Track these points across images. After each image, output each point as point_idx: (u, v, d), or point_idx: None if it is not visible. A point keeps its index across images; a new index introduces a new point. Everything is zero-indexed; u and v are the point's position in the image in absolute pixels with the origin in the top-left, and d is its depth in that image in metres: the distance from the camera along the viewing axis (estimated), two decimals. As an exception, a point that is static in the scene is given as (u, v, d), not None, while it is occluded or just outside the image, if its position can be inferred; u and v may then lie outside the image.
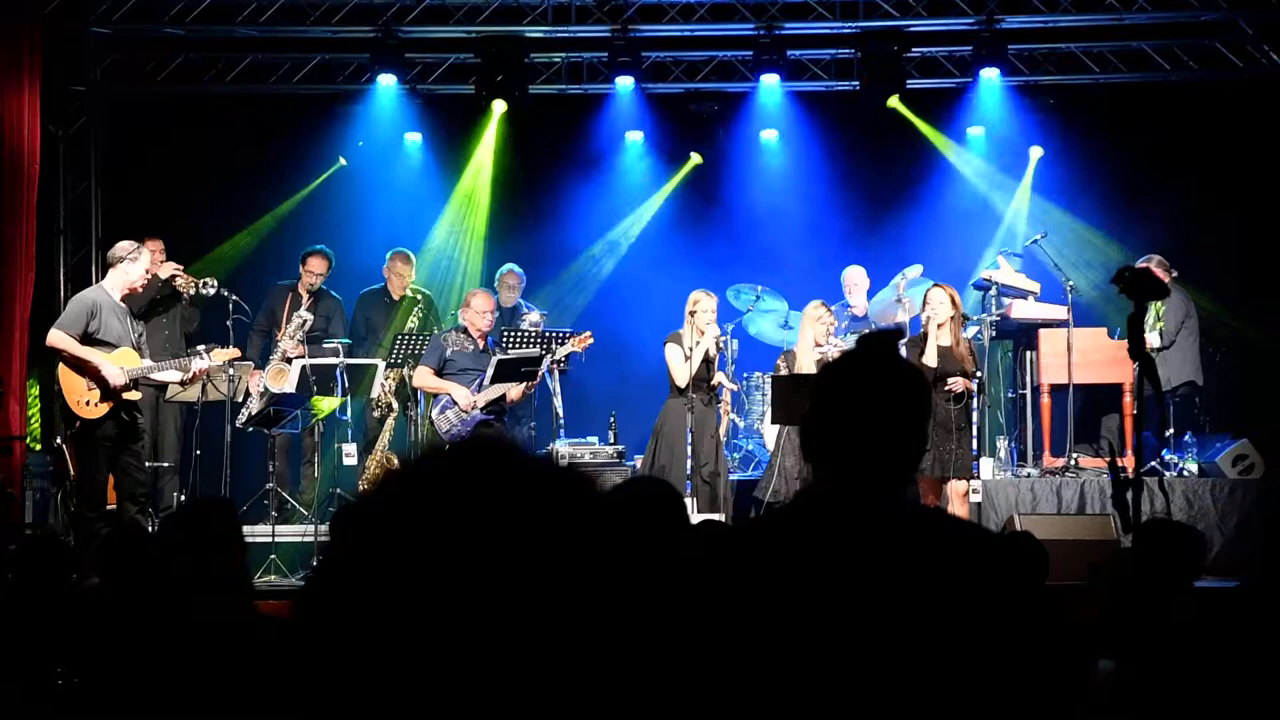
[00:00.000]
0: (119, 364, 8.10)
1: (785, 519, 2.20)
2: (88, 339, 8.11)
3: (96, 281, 11.06)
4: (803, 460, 8.60)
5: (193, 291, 9.59)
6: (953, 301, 8.65)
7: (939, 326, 8.65)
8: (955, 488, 8.56)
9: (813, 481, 2.13)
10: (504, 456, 1.17)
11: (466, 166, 12.01)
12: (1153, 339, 9.45)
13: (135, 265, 8.30)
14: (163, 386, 9.31)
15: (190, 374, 8.48)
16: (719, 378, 9.08)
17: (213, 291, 9.45)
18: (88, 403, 8.08)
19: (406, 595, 1.10)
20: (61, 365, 8.17)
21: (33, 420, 10.13)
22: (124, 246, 8.41)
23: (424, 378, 9.44)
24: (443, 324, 10.62)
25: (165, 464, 9.76)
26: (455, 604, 1.09)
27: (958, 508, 8.44)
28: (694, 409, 8.88)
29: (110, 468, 8.23)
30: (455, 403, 9.29)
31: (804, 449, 2.14)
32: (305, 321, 9.67)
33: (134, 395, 8.19)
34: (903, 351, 9.17)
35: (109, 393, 8.08)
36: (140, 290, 8.50)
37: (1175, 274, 9.95)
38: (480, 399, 9.24)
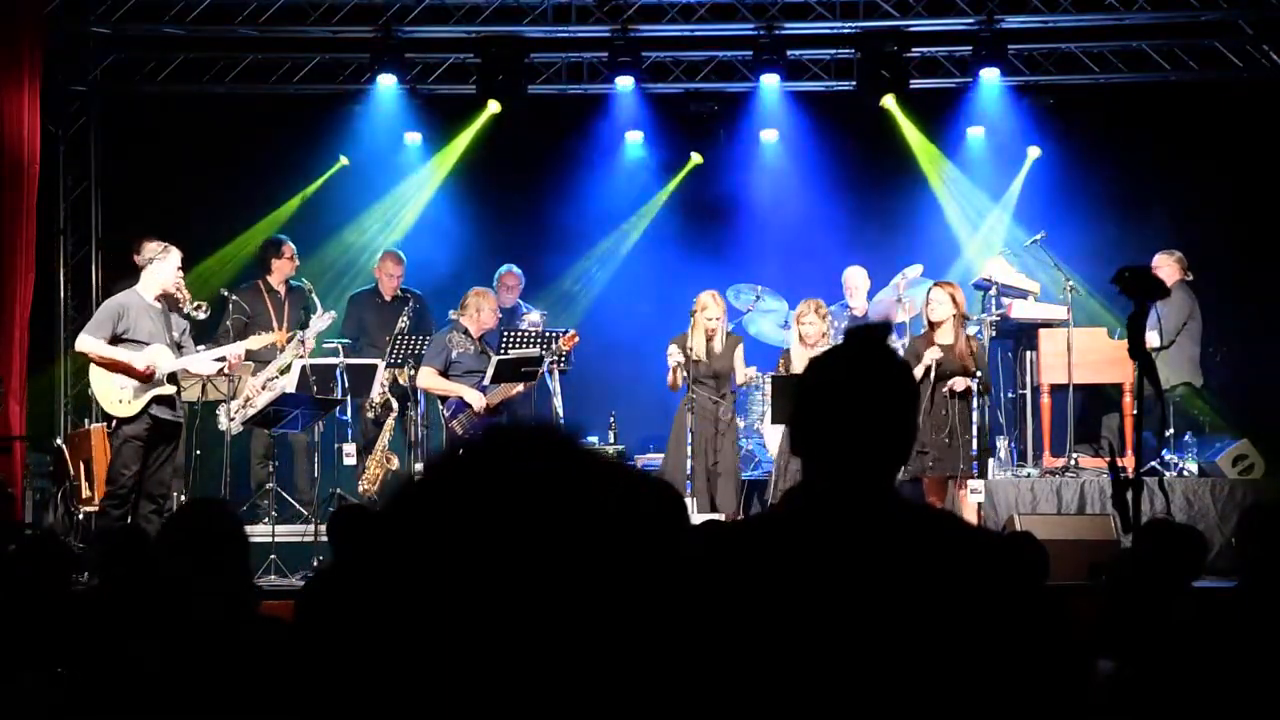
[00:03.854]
0: (149, 357, 8.16)
1: (778, 518, 2.20)
2: (117, 341, 8.18)
3: (96, 281, 11.14)
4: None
5: (185, 309, 9.58)
6: (954, 300, 8.62)
7: (938, 326, 8.62)
8: (958, 488, 8.56)
9: (801, 478, 2.11)
10: (509, 454, 1.16)
11: (457, 164, 12.00)
12: (1152, 338, 9.44)
13: (165, 264, 8.33)
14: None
15: (228, 362, 8.54)
16: (745, 373, 9.00)
17: (203, 316, 9.39)
18: (120, 401, 8.15)
19: (410, 596, 1.10)
20: (92, 366, 8.23)
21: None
22: (153, 247, 8.46)
23: (430, 379, 9.39)
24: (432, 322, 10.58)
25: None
26: (459, 606, 1.09)
27: (959, 508, 8.43)
28: (694, 408, 8.89)
29: (141, 467, 8.26)
30: (466, 405, 9.25)
31: (792, 444, 2.12)
32: (331, 319, 9.65)
33: (168, 389, 8.23)
34: (899, 348, 9.19)
35: (144, 381, 8.11)
36: (173, 290, 8.46)
37: (1190, 276, 9.95)
38: (492, 400, 9.24)
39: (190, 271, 10.11)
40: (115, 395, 8.16)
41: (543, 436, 1.18)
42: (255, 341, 8.88)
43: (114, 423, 8.25)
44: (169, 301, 8.48)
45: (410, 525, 1.14)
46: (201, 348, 8.72)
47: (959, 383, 8.46)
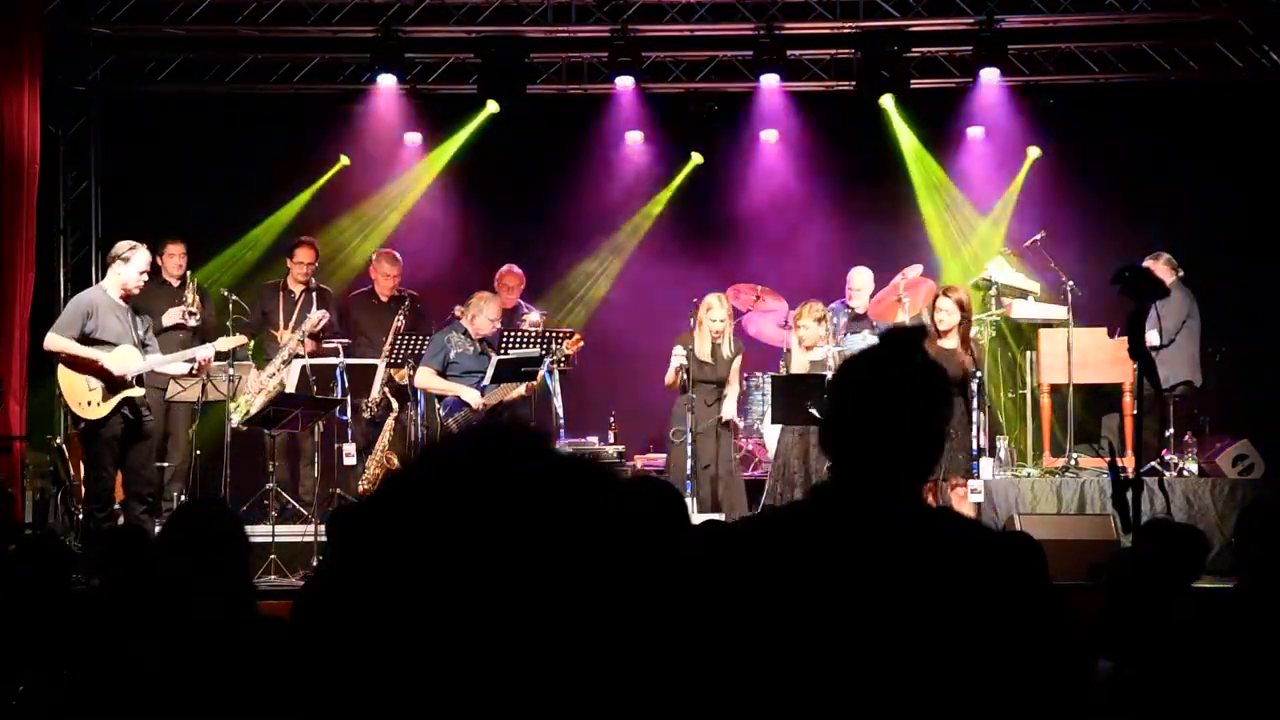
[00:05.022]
0: (120, 360, 8.14)
1: (789, 517, 2.20)
2: (86, 340, 8.14)
3: (97, 281, 11.11)
4: (803, 461, 8.64)
5: (185, 310, 9.54)
6: (960, 305, 8.54)
7: (945, 332, 8.56)
8: (955, 488, 8.55)
9: (829, 477, 2.14)
10: (508, 453, 1.16)
11: (457, 164, 12.00)
12: (1152, 337, 9.43)
13: (128, 266, 8.30)
14: (163, 388, 9.31)
15: (197, 363, 8.54)
16: (724, 409, 9.03)
17: (194, 324, 9.41)
18: (89, 403, 8.12)
19: (410, 595, 1.10)
20: (60, 368, 8.19)
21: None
22: (120, 246, 8.45)
23: (427, 379, 9.37)
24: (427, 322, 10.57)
25: (166, 464, 9.74)
26: (457, 604, 1.09)
27: (958, 508, 8.43)
28: (694, 409, 8.90)
29: (118, 466, 8.26)
30: (464, 404, 9.24)
31: (822, 443, 2.16)
32: (323, 319, 9.60)
33: (137, 391, 8.21)
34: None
35: (113, 385, 8.11)
36: (136, 291, 8.47)
37: (1182, 273, 9.95)
38: (490, 400, 9.22)
39: (193, 272, 10.11)
40: (84, 397, 8.12)
41: (539, 438, 1.19)
42: (225, 343, 8.90)
43: (83, 425, 8.23)
44: (139, 296, 8.49)
45: (405, 523, 1.14)
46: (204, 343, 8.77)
47: None
